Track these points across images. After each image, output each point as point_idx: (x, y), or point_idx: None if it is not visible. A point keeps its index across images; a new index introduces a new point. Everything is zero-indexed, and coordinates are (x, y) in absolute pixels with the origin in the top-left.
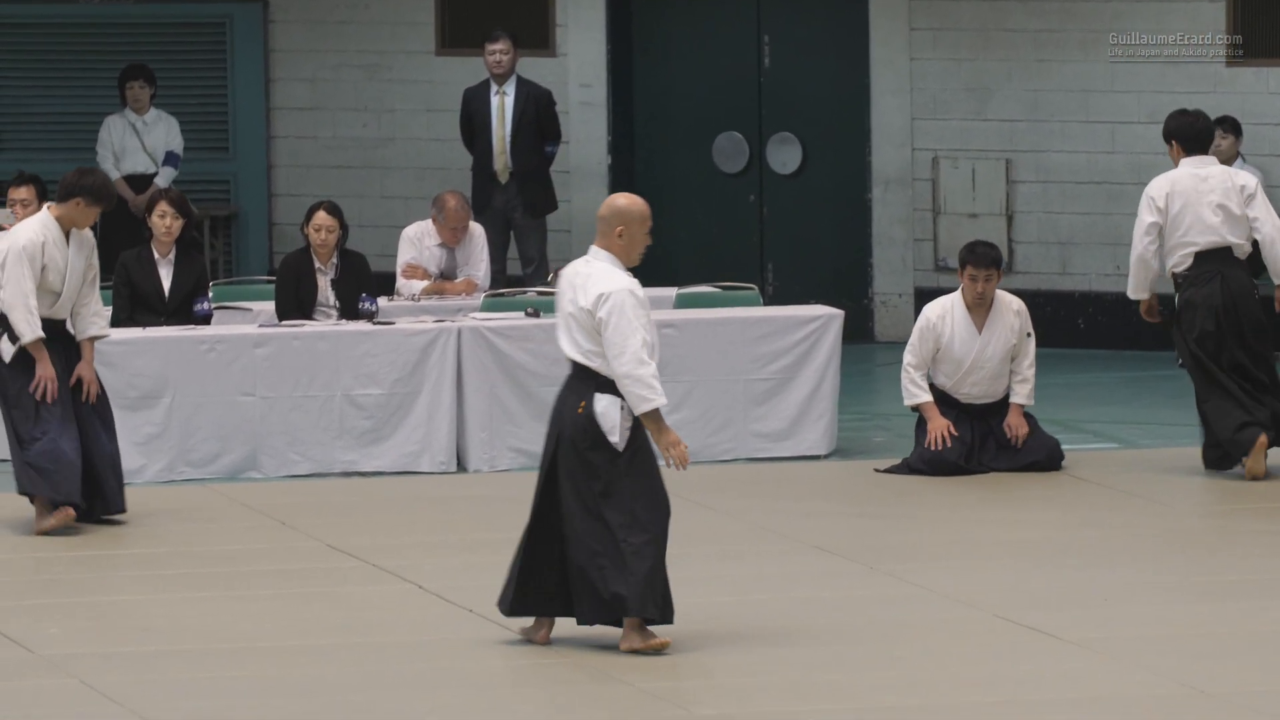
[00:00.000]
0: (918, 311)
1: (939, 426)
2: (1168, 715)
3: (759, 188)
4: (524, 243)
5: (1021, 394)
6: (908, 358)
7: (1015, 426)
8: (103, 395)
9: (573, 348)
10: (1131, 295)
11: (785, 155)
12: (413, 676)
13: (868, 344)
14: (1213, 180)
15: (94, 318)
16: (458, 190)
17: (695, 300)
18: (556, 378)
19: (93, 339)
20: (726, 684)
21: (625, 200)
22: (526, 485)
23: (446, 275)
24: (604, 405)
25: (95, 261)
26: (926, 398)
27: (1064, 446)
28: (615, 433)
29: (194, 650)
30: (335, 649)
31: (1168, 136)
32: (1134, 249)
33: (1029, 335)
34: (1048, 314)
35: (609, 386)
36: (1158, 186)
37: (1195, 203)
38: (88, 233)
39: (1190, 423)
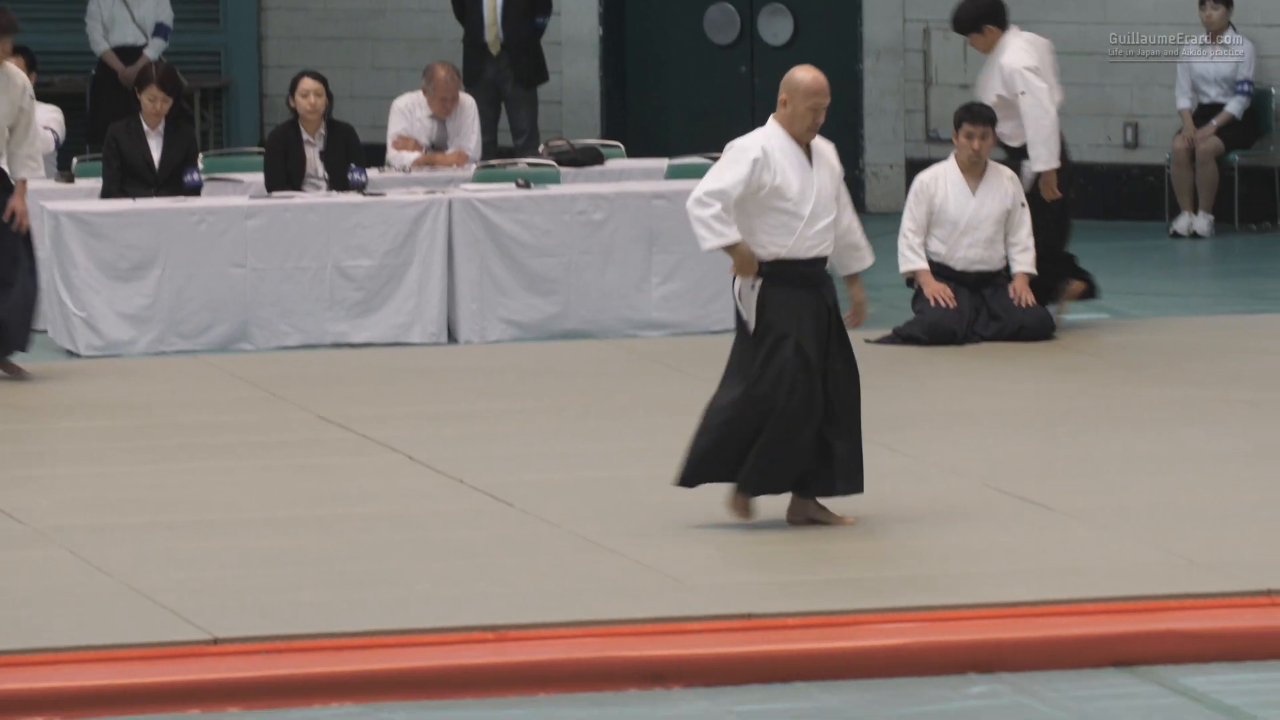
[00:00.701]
0: (908, 183)
1: (936, 289)
2: (1156, 584)
3: (750, 59)
4: (515, 114)
5: (1025, 262)
6: (905, 223)
7: (1021, 291)
8: (29, 237)
9: None
10: (1052, 164)
11: (776, 26)
12: (404, 546)
13: (858, 215)
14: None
15: (27, 160)
16: (448, 61)
17: (687, 171)
18: (547, 249)
19: (24, 181)
20: (717, 555)
21: (800, 73)
22: (516, 356)
23: (437, 147)
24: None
25: (28, 105)
26: (922, 264)
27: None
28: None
29: (184, 521)
30: (326, 520)
31: (979, 22)
32: (1049, 116)
33: (1023, 205)
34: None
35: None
36: (1031, 57)
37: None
38: (16, 73)
39: (1181, 293)
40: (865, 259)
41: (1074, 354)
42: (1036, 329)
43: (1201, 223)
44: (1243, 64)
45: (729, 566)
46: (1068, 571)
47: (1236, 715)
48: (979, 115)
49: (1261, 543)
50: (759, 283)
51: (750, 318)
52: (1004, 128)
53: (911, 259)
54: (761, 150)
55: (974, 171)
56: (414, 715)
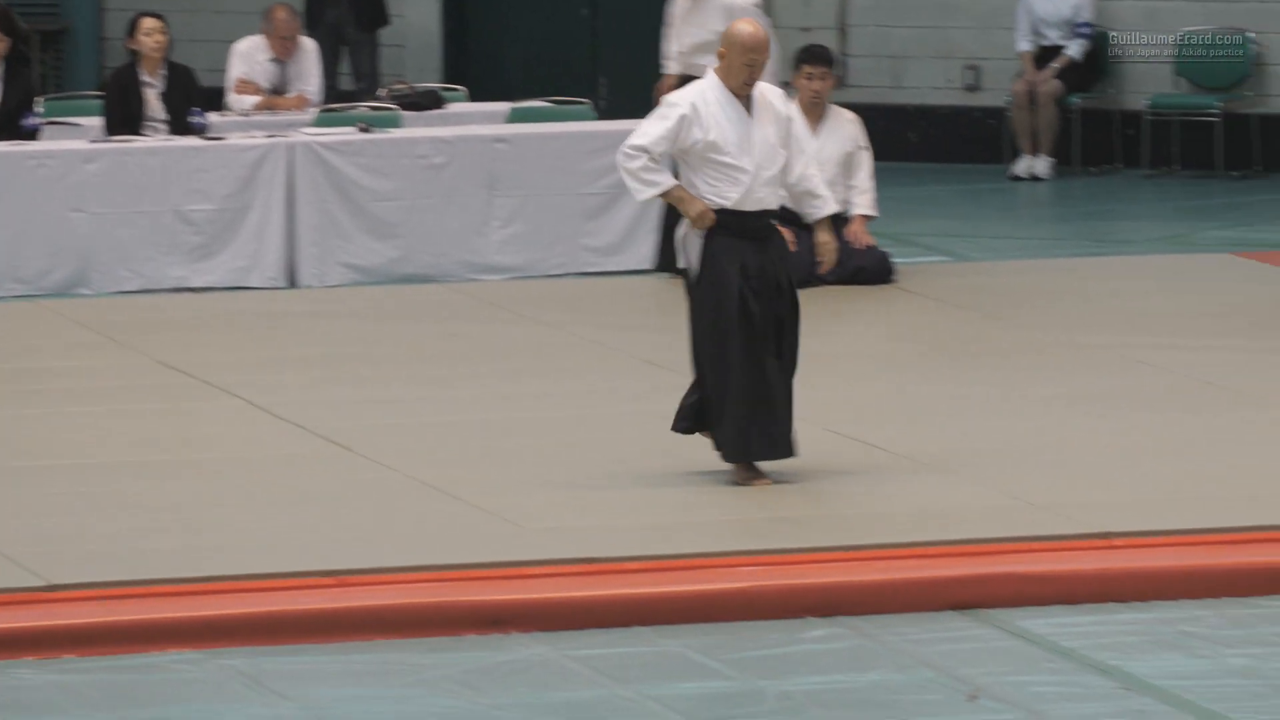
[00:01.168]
0: None
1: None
2: (994, 528)
3: (592, 2)
4: (356, 58)
5: (864, 204)
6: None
7: (859, 234)
8: None
9: None
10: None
11: None
12: (244, 492)
13: None
14: None
15: None
16: (287, 3)
17: (528, 115)
18: (388, 193)
19: None
20: (555, 499)
21: (740, 26)
22: (357, 300)
23: (278, 90)
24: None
25: None
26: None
27: (896, 260)
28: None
29: (24, 467)
30: (167, 465)
31: None
32: None
33: (865, 149)
34: (880, 128)
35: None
36: None
37: None
38: None
39: (1020, 236)
40: (825, 206)
41: (914, 297)
42: (875, 271)
43: (1041, 165)
44: (1083, 7)
45: (567, 511)
46: (906, 515)
47: (1073, 657)
48: (818, 56)
49: (1098, 486)
50: (703, 232)
51: (693, 266)
52: None
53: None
54: (691, 106)
55: (814, 113)
56: (253, 661)
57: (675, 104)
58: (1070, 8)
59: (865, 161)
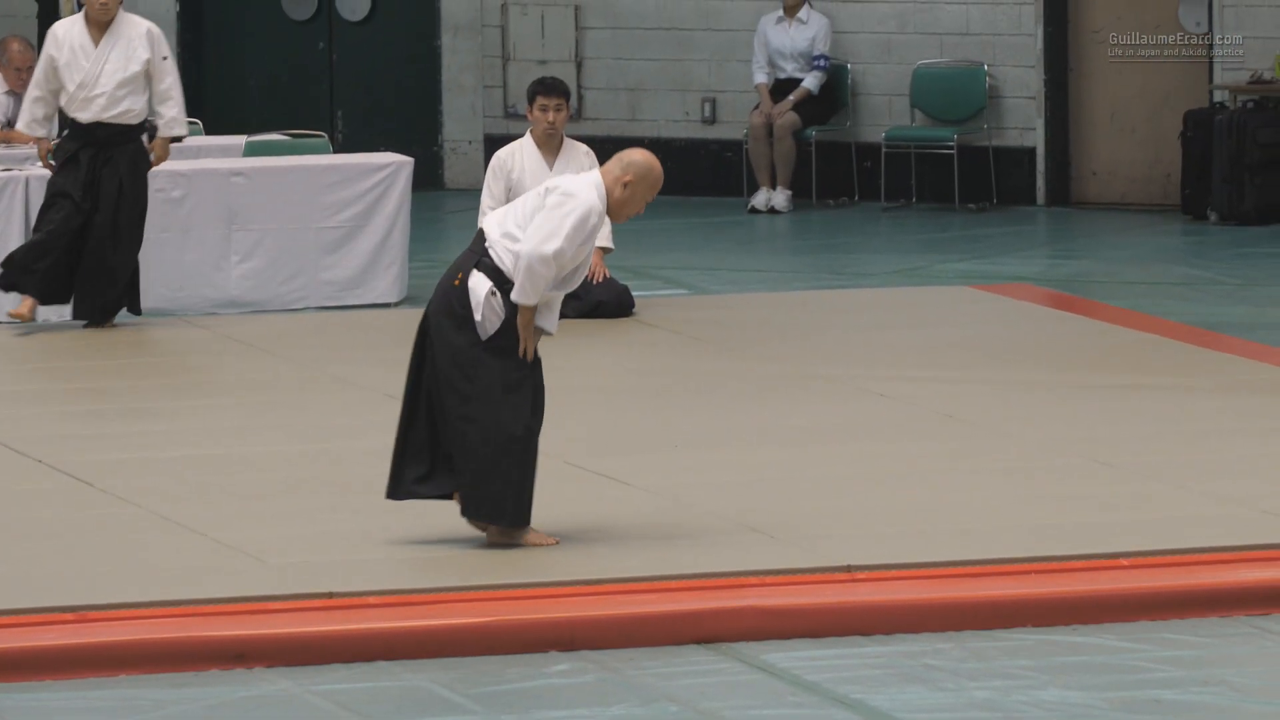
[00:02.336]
0: (488, 158)
1: None
2: (736, 560)
3: (329, 35)
4: None
5: (600, 238)
6: (485, 200)
7: (596, 266)
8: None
9: (494, 225)
10: None
11: (355, 2)
12: None
13: (438, 191)
14: None
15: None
16: (22, 36)
17: (264, 148)
18: None
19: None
20: (298, 534)
21: (651, 159)
22: (95, 334)
23: (13, 124)
24: (477, 283)
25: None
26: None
27: (635, 293)
28: (478, 312)
29: None
30: None
31: None
32: None
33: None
34: None
35: (493, 274)
36: None
37: None
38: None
39: (759, 268)
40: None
41: (653, 329)
42: (616, 305)
43: (779, 198)
44: (819, 39)
45: (310, 545)
46: (648, 548)
47: (817, 691)
48: (552, 88)
49: (839, 518)
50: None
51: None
52: None
53: None
54: (600, 216)
55: (550, 145)
56: None
57: (587, 213)
58: (806, 40)
59: None
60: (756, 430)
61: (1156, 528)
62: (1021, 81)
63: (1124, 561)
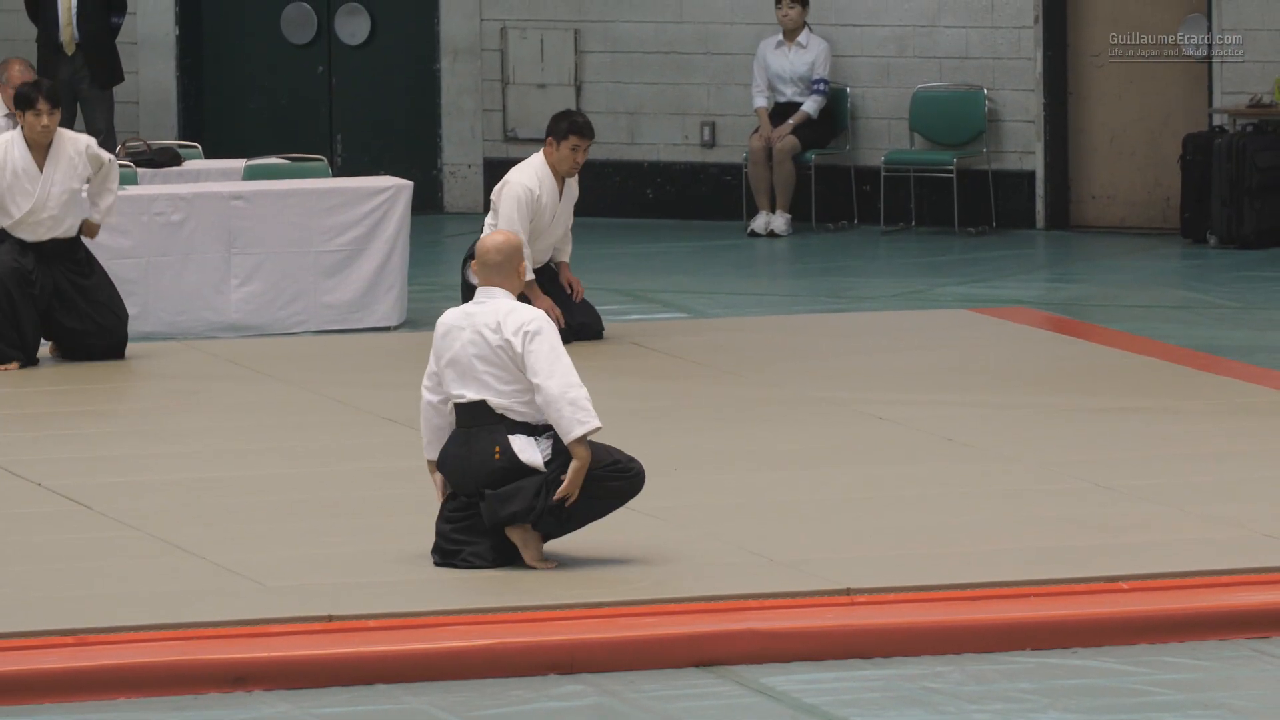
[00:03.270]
0: (487, 181)
1: (546, 305)
2: (736, 584)
3: (328, 58)
4: (91, 115)
5: (567, 251)
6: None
7: (574, 282)
8: None
9: (481, 390)
10: None
11: (354, 26)
12: None
13: (437, 214)
14: None
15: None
16: (22, 58)
17: (264, 172)
18: (125, 250)
19: None
20: (297, 557)
21: (513, 239)
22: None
23: None
24: (521, 444)
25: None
26: (528, 276)
27: (633, 317)
28: (536, 455)
29: None
30: None
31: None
32: None
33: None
34: (616, 184)
35: (522, 428)
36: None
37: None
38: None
39: (758, 292)
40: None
41: (652, 353)
42: (595, 327)
43: (779, 221)
44: (818, 63)
45: (310, 568)
46: (648, 571)
47: (816, 714)
48: (587, 131)
49: (839, 542)
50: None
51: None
52: None
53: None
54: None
55: (562, 180)
56: None
57: (552, 331)
58: (806, 65)
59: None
60: (756, 453)
61: (1156, 551)
62: (1021, 105)
63: (1123, 585)
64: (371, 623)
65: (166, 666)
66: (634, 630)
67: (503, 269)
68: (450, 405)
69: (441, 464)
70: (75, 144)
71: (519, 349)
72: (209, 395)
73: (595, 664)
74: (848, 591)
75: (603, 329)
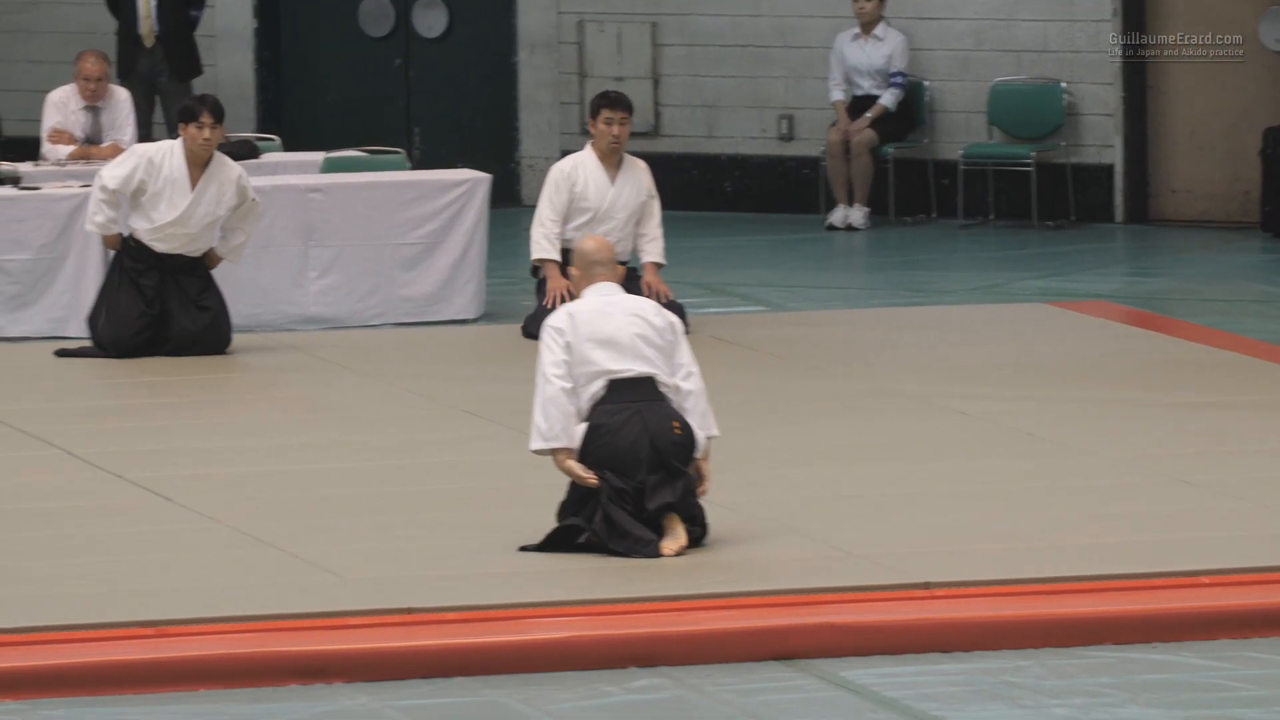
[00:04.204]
0: None
1: (558, 286)
2: (815, 577)
3: (405, 51)
4: (170, 108)
5: (654, 252)
6: (544, 210)
7: (656, 284)
8: None
9: (648, 365)
10: None
11: (431, 19)
12: (63, 542)
13: (515, 208)
14: None
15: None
16: (97, 49)
17: (342, 165)
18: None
19: None
20: (377, 550)
21: (601, 239)
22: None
23: (92, 140)
24: (689, 425)
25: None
26: (553, 256)
27: (711, 310)
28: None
29: None
30: None
31: None
32: None
33: (654, 197)
34: (694, 177)
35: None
36: None
37: None
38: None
39: (836, 285)
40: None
41: (730, 347)
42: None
43: (857, 215)
44: (895, 56)
45: (389, 561)
46: (729, 564)
47: (896, 708)
48: (617, 101)
49: (918, 535)
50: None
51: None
52: None
53: (545, 248)
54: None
55: (612, 159)
56: (74, 712)
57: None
58: (883, 58)
59: (655, 210)
60: (834, 447)
61: (1237, 545)
62: (1100, 99)
63: (1205, 579)
64: (451, 615)
65: (246, 659)
66: (713, 623)
67: (610, 264)
68: (598, 384)
69: (599, 441)
70: (229, 171)
71: (676, 336)
72: (287, 388)
73: (674, 657)
74: (927, 585)
75: (686, 326)
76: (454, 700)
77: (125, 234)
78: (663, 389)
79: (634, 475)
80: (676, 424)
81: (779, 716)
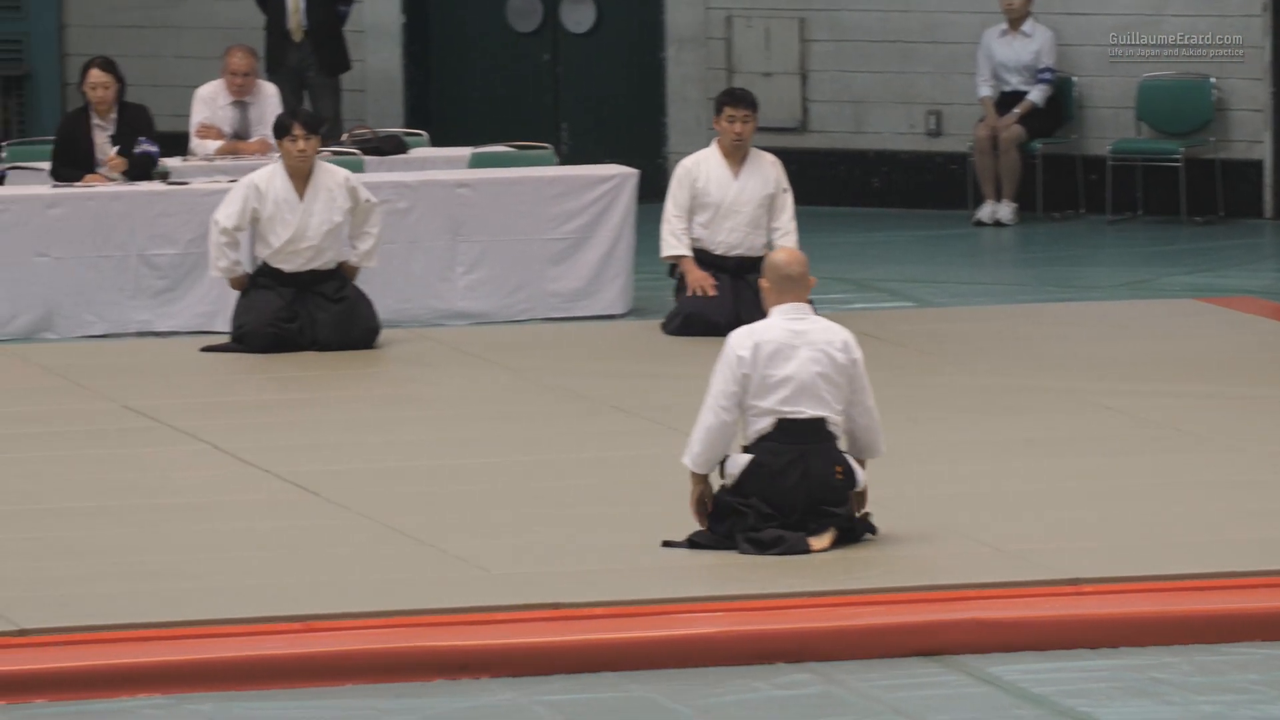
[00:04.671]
0: None
1: (698, 278)
2: (962, 573)
3: (553, 47)
4: (318, 102)
5: (789, 245)
6: (669, 207)
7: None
8: None
9: (822, 407)
10: None
11: (579, 14)
12: (211, 537)
13: (662, 203)
14: None
15: None
16: (245, 44)
17: (490, 160)
18: None
19: None
20: (523, 545)
21: (797, 251)
22: None
23: (240, 135)
24: (853, 464)
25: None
26: (685, 251)
27: (858, 306)
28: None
29: None
30: (131, 510)
31: None
32: None
33: (786, 191)
34: (842, 173)
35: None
36: None
37: None
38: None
39: (984, 281)
40: None
41: (877, 342)
42: None
43: (1005, 211)
44: (1043, 52)
45: (535, 556)
46: (876, 560)
47: (1043, 704)
48: (741, 99)
49: (1066, 531)
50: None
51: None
52: None
53: (674, 244)
54: None
55: (736, 156)
56: (221, 707)
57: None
58: (1030, 53)
59: (787, 204)
60: (981, 442)
61: None
62: (1249, 94)
63: None
64: (597, 610)
65: (392, 654)
66: (860, 619)
67: (802, 280)
68: (767, 421)
69: (758, 477)
70: (334, 176)
71: (858, 369)
72: (434, 382)
73: (821, 653)
74: (1075, 581)
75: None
76: (600, 695)
77: (252, 269)
78: (832, 429)
79: (788, 517)
80: (839, 469)
81: (926, 712)
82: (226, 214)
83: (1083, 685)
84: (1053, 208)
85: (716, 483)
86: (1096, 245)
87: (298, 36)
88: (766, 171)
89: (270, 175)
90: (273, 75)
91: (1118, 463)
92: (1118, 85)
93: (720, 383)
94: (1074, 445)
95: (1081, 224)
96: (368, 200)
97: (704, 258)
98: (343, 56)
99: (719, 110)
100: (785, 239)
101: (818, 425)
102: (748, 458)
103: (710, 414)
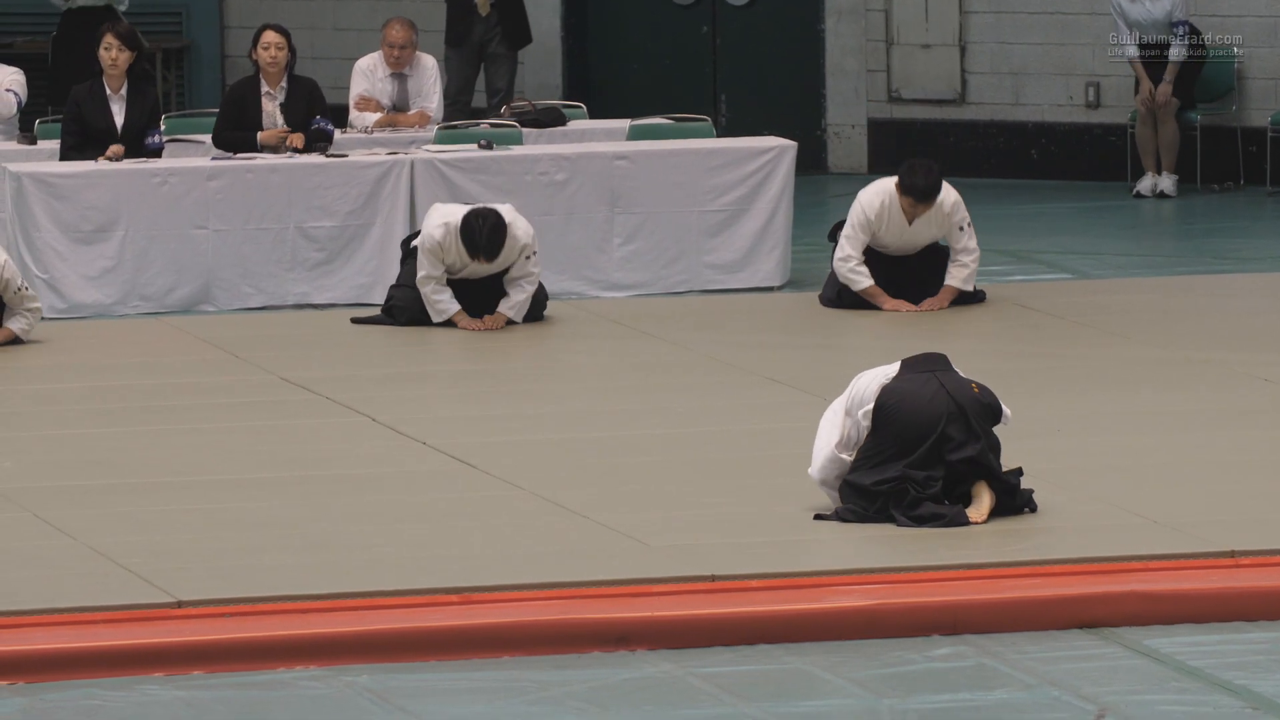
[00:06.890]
0: (871, 142)
1: (895, 304)
2: (1120, 545)
3: (712, 19)
4: (494, 74)
5: (958, 277)
6: (846, 249)
7: (936, 304)
8: None
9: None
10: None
11: None
12: (368, 509)
13: (821, 175)
14: None
15: None
16: (404, 16)
17: (648, 132)
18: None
19: None
20: (680, 517)
21: None
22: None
23: (399, 107)
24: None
25: None
26: (870, 282)
27: (1017, 278)
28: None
29: (147, 484)
30: (289, 482)
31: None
32: None
33: (962, 228)
34: (1000, 145)
35: None
36: None
37: None
38: None
39: (1143, 253)
40: None
41: (1036, 314)
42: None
43: (1166, 182)
44: (1175, 7)
45: (692, 529)
46: (1032, 532)
47: (1200, 677)
48: (925, 193)
49: (1224, 504)
50: None
51: None
52: None
53: (860, 279)
54: None
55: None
56: (378, 678)
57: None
58: (1163, 10)
59: (962, 240)
60: (1138, 415)
61: None
62: None
63: None
64: (754, 583)
65: (550, 625)
66: (1016, 591)
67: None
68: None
69: (894, 401)
70: (514, 246)
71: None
72: (590, 355)
73: (977, 625)
74: (1232, 554)
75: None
76: (756, 668)
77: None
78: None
79: (934, 427)
80: (975, 385)
81: (1082, 684)
82: (425, 277)
83: (1240, 658)
84: (1212, 179)
85: (846, 466)
86: (1256, 217)
87: (484, 9)
88: (943, 220)
89: (443, 235)
90: (456, 47)
91: (1275, 435)
92: (1279, 56)
93: (839, 429)
94: (1230, 417)
95: (1241, 196)
96: (526, 254)
97: (871, 255)
98: (525, 29)
99: (903, 193)
100: (958, 269)
101: (940, 358)
102: (879, 384)
103: (827, 449)
